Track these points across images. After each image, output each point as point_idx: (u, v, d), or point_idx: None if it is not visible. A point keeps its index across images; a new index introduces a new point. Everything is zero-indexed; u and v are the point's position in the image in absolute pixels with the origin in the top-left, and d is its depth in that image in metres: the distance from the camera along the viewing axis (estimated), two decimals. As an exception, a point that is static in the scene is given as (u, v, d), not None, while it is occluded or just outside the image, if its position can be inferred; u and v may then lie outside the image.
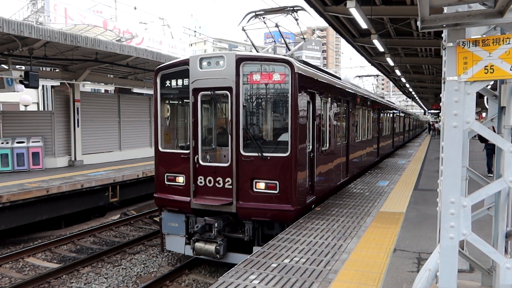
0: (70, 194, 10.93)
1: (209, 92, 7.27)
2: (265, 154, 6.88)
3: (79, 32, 15.83)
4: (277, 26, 8.70)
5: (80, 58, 13.26)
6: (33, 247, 9.32)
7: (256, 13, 8.38)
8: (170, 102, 8.53)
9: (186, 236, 7.60)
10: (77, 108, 14.79)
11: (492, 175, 12.42)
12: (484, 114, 34.55)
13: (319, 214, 7.44)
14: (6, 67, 11.62)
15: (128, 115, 17.35)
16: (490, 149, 12.64)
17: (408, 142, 32.91)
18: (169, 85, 7.77)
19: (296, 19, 8.30)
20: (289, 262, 5.02)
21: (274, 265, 4.93)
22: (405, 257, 5.21)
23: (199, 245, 7.11)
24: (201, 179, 7.31)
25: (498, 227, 3.41)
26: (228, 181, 7.08)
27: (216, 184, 7.18)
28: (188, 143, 7.51)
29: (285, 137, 7.04)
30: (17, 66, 13.47)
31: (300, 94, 6.92)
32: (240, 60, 6.95)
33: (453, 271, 3.04)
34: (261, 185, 6.90)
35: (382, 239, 5.95)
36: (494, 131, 3.28)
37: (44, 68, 16.04)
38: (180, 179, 7.53)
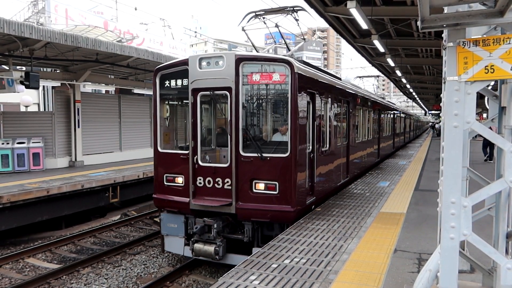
0: (71, 195, 10.93)
1: (208, 92, 7.23)
2: (264, 155, 6.83)
3: (79, 33, 15.84)
4: (277, 26, 8.66)
5: (81, 59, 13.27)
6: (33, 247, 9.31)
7: (256, 13, 8.34)
8: (170, 102, 8.49)
9: (185, 237, 7.56)
10: (78, 109, 14.79)
11: (491, 161, 14.84)
12: (485, 115, 34.51)
13: (320, 215, 7.43)
14: (7, 68, 11.63)
15: (129, 115, 17.36)
16: (486, 141, 14.62)
17: (409, 143, 32.89)
18: (168, 85, 7.72)
19: (296, 19, 8.25)
20: (289, 262, 5.01)
21: (274, 265, 4.92)
22: (406, 258, 5.20)
23: (198, 246, 7.07)
24: (200, 179, 7.27)
25: (499, 228, 3.40)
26: (227, 181, 7.03)
27: (216, 184, 7.14)
28: (188, 144, 7.47)
29: (285, 137, 7.01)
30: (18, 67, 13.47)
31: (300, 94, 6.88)
32: (239, 60, 6.90)
33: (453, 271, 3.03)
34: (260, 186, 6.86)
35: (382, 240, 5.94)
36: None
37: (44, 69, 16.05)
38: (179, 180, 7.49)
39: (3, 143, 12.85)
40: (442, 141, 3.11)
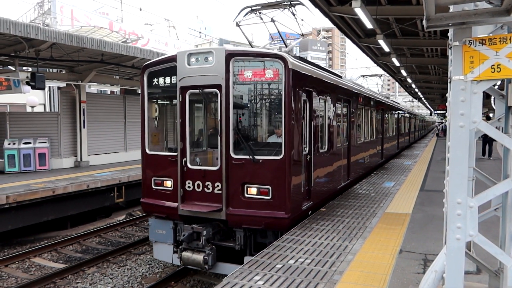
0: (76, 195, 10.99)
1: (197, 91, 6.81)
2: (257, 157, 6.38)
3: (85, 33, 15.91)
4: (272, 21, 8.20)
5: (86, 60, 13.35)
6: (39, 247, 9.38)
7: (252, 8, 7.91)
8: (158, 101, 8.10)
9: (175, 244, 7.15)
10: (83, 109, 14.88)
11: (484, 157, 16.74)
12: (491, 115, 34.24)
13: (324, 215, 7.40)
14: (13, 69, 11.72)
15: (134, 116, 17.41)
16: (486, 139, 16.44)
17: (414, 143, 32.73)
18: (157, 83, 7.34)
19: (294, 14, 7.84)
20: (294, 263, 5.00)
21: (279, 265, 4.91)
22: (411, 259, 5.17)
23: (186, 254, 6.65)
24: (189, 183, 6.85)
25: (506, 228, 3.37)
26: (217, 185, 6.61)
27: (205, 189, 6.73)
28: (176, 145, 7.10)
29: (279, 138, 6.63)
30: (24, 68, 13.57)
31: (295, 92, 6.48)
32: (230, 55, 6.46)
33: (459, 272, 3.00)
34: (252, 190, 6.42)
35: (387, 240, 5.91)
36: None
37: (50, 70, 16.16)
38: (168, 183, 7.07)
39: (9, 144, 12.96)
40: (448, 141, 3.09)
